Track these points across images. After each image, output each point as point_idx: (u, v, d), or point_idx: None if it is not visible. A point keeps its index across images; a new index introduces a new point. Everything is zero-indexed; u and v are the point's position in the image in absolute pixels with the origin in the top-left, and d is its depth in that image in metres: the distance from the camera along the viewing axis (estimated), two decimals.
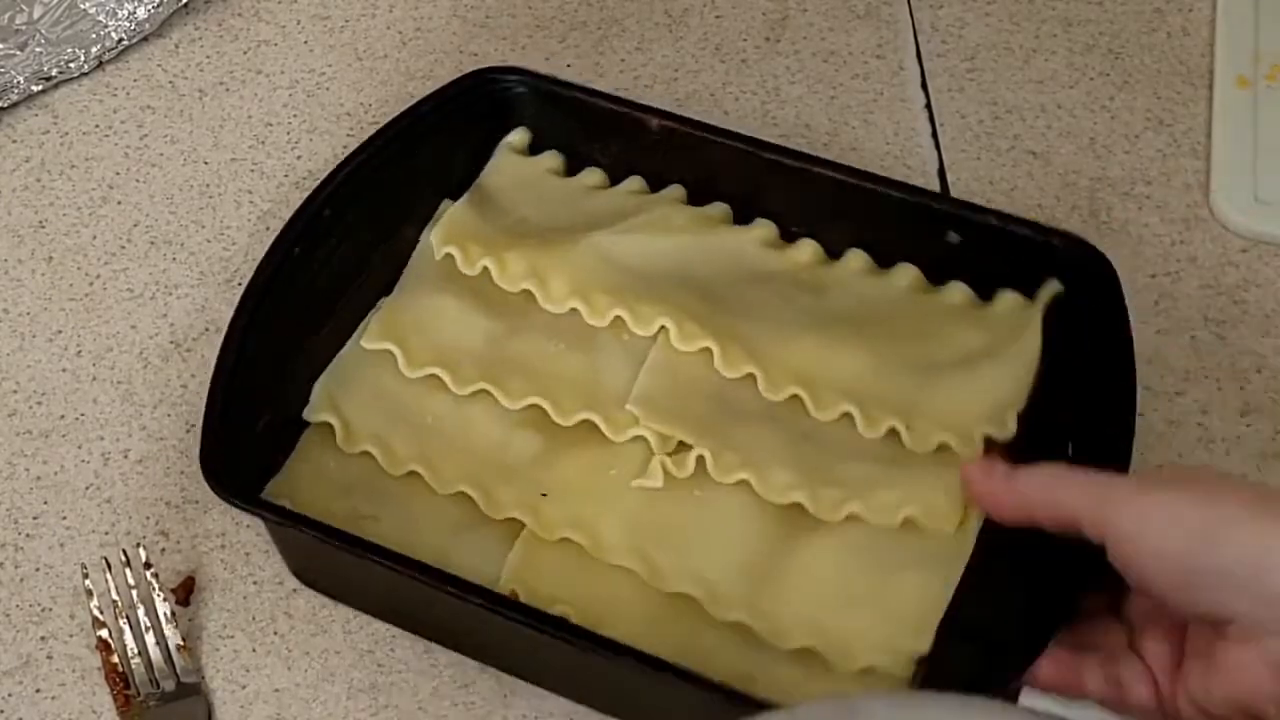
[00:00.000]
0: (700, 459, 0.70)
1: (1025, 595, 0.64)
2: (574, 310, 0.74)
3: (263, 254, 0.73)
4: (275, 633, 0.71)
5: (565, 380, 0.73)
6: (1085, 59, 0.90)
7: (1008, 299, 0.74)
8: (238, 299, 0.72)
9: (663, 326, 0.73)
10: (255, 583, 0.73)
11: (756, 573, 0.68)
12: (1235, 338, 0.78)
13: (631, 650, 0.62)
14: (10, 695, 0.70)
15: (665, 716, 0.67)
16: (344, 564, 0.68)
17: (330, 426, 0.73)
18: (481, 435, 0.72)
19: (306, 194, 0.75)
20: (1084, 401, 0.69)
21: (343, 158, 0.77)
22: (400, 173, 0.78)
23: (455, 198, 0.79)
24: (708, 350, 0.72)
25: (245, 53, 0.93)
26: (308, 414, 0.73)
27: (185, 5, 0.94)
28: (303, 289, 0.74)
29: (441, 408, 0.73)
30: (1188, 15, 0.92)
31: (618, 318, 0.74)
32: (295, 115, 0.90)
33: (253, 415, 0.71)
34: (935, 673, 0.65)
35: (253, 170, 0.88)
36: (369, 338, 0.75)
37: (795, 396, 0.71)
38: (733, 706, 0.60)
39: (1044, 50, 0.91)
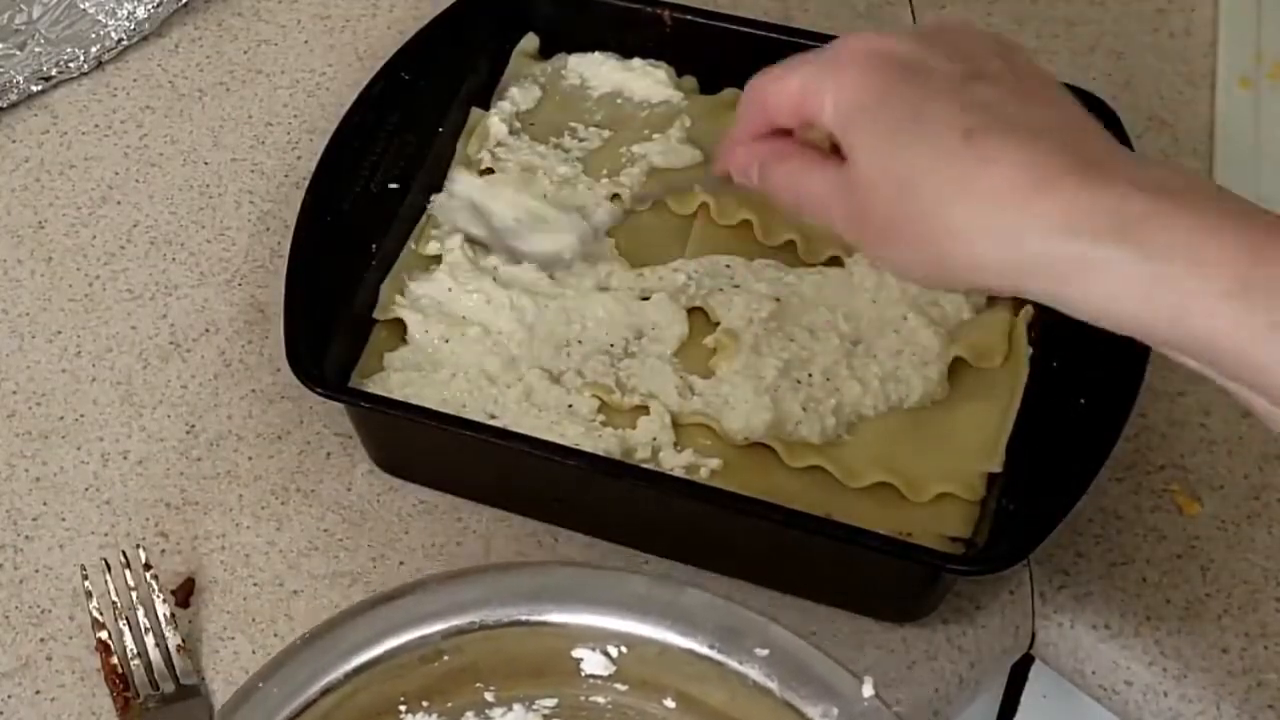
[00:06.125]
0: None
1: (1083, 412, 0.68)
2: (615, 195, 0.80)
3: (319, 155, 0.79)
4: (275, 634, 0.71)
5: None
6: (1087, 59, 0.90)
7: None
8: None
9: (703, 204, 0.79)
10: (255, 584, 0.72)
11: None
12: None
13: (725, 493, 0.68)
14: (10, 697, 0.70)
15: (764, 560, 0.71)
16: (434, 444, 0.73)
17: (400, 324, 0.76)
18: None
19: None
20: None
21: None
22: (429, 83, 0.82)
23: (486, 106, 0.84)
24: (747, 222, 0.78)
25: (245, 53, 0.93)
26: (377, 313, 0.76)
27: (185, 5, 0.94)
28: (359, 192, 0.78)
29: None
30: (1190, 16, 0.92)
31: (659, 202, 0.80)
32: (295, 115, 0.90)
33: (330, 314, 0.74)
34: (1010, 489, 0.69)
35: (253, 170, 0.87)
36: (421, 243, 0.79)
37: (834, 258, 0.77)
38: (813, 538, 0.67)
39: (1046, 50, 0.90)
